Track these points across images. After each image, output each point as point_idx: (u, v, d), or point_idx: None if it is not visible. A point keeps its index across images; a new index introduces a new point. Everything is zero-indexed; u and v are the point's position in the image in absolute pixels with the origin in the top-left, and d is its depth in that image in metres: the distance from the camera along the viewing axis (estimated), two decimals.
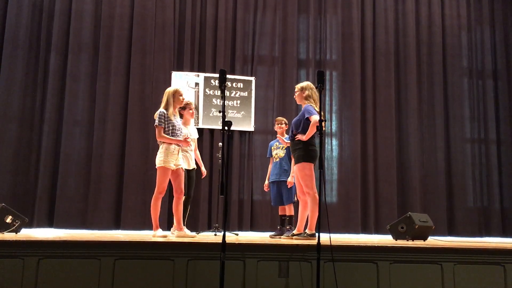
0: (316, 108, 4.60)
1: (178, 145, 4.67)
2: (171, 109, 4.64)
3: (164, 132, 4.57)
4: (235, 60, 7.45)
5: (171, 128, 4.60)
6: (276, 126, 5.77)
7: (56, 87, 6.98)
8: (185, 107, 5.46)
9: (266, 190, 5.87)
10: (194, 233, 5.38)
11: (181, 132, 4.73)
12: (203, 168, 5.74)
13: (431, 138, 7.74)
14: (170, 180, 4.67)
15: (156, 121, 4.58)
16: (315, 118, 4.44)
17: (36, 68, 7.01)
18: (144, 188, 6.77)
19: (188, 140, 4.73)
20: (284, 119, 5.79)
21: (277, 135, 5.60)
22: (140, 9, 7.27)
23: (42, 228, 6.57)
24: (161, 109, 4.64)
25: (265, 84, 7.50)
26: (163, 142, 4.59)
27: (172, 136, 4.60)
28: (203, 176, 5.82)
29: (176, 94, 4.70)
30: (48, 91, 6.94)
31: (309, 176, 4.53)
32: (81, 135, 6.96)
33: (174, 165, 4.61)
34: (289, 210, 5.54)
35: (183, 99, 4.81)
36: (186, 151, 5.30)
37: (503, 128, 7.88)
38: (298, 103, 4.90)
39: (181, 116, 5.46)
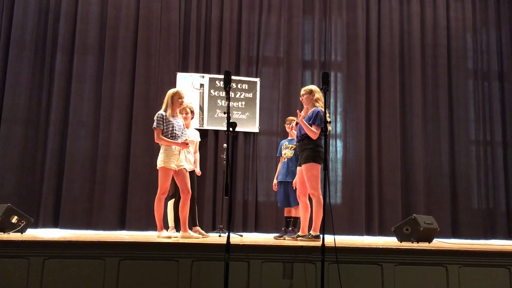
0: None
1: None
2: (169, 111, 4.70)
3: (163, 134, 4.61)
4: (240, 61, 7.46)
5: (170, 129, 4.65)
6: (287, 126, 5.76)
7: (61, 89, 7.01)
8: (180, 111, 5.50)
9: (275, 190, 5.84)
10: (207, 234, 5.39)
11: (182, 133, 4.74)
12: (197, 169, 5.71)
13: (436, 140, 7.70)
14: (175, 181, 4.70)
15: (154, 123, 4.63)
16: (318, 131, 4.53)
17: (42, 70, 7.04)
18: (149, 189, 6.78)
19: (187, 143, 4.73)
20: (295, 118, 5.74)
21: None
22: (146, 10, 7.29)
23: (47, 229, 6.59)
24: (161, 111, 4.69)
25: (270, 85, 7.50)
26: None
27: (172, 137, 4.63)
28: (198, 174, 5.78)
29: (175, 96, 4.74)
30: (54, 92, 6.97)
31: (315, 177, 4.55)
32: (86, 136, 6.99)
33: (176, 165, 4.63)
34: (295, 212, 5.52)
35: (182, 101, 4.82)
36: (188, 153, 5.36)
37: (509, 130, 7.82)
38: (305, 105, 4.88)
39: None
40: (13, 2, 7.04)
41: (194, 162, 5.60)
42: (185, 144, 4.70)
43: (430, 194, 7.54)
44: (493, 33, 8.09)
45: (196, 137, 5.66)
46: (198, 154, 5.74)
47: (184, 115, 5.46)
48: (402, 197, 7.42)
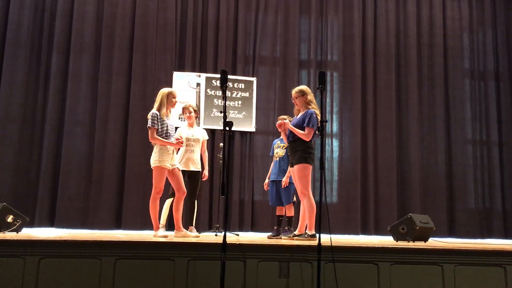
0: (317, 113, 4.62)
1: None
2: (163, 110, 4.67)
3: (157, 133, 4.58)
4: (237, 61, 7.45)
5: (165, 128, 4.62)
6: (277, 124, 5.73)
7: (57, 87, 6.98)
8: (183, 111, 5.56)
9: (265, 189, 5.84)
10: (197, 233, 5.39)
11: (174, 133, 4.75)
12: (205, 171, 5.72)
13: (432, 140, 7.72)
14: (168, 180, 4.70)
15: (149, 123, 4.58)
16: (311, 133, 4.53)
17: (38, 68, 7.01)
18: (145, 188, 6.75)
19: (181, 142, 4.72)
20: (286, 117, 5.71)
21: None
22: (142, 9, 7.27)
23: (43, 228, 6.57)
24: (154, 110, 4.64)
25: (267, 84, 7.50)
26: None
27: (166, 137, 4.61)
28: (203, 179, 5.80)
29: (169, 95, 4.71)
30: (50, 91, 6.94)
31: (307, 177, 4.60)
32: (82, 135, 6.96)
33: (170, 164, 4.63)
34: (288, 211, 5.52)
35: (176, 101, 4.80)
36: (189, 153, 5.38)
37: (505, 130, 7.86)
38: (299, 107, 4.83)
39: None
40: (9, 0, 7.01)
41: (203, 163, 5.62)
42: (180, 143, 4.69)
43: (426, 194, 7.56)
44: (489, 33, 8.12)
45: (203, 136, 5.66)
46: (206, 154, 5.75)
47: (187, 114, 5.50)
48: (398, 197, 7.44)
